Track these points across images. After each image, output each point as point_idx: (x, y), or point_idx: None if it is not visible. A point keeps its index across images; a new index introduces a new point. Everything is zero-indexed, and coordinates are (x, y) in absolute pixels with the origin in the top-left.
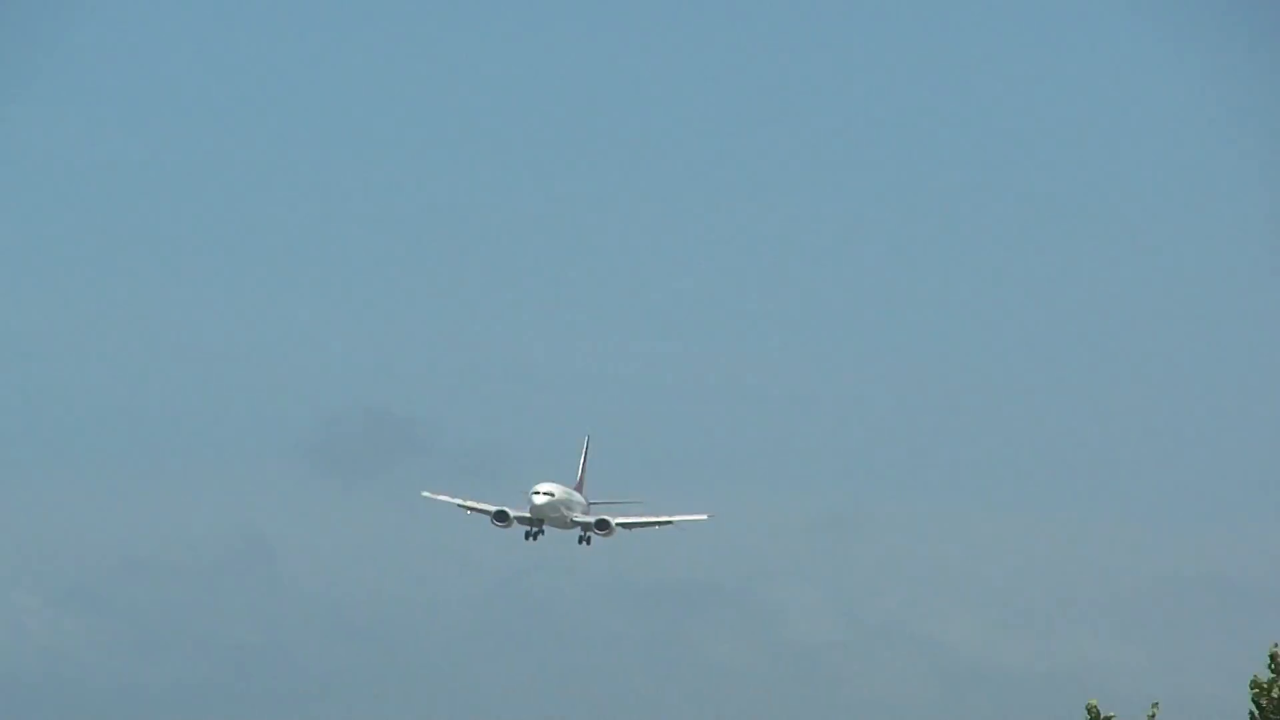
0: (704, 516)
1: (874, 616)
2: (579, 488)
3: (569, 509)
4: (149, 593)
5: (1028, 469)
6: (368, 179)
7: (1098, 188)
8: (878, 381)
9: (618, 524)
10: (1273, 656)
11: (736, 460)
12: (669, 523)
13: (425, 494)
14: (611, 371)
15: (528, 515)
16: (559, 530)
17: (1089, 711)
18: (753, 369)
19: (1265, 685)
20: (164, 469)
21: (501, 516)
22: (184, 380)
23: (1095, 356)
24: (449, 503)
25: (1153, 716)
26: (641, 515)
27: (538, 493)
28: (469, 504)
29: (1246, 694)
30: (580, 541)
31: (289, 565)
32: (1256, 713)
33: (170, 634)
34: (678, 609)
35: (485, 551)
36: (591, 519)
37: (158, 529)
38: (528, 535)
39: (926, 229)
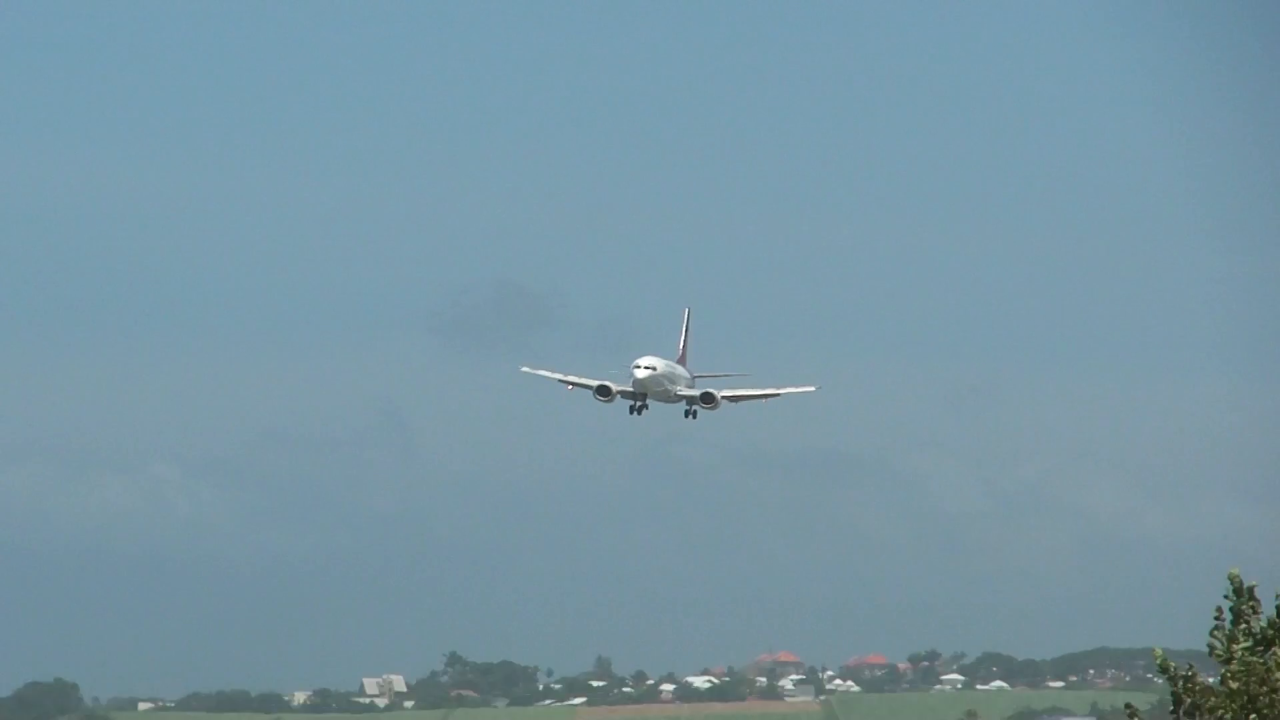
0: (811, 388)
1: (1015, 485)
2: (681, 361)
3: (672, 382)
4: (286, 464)
5: (1171, 335)
6: (499, 63)
7: None
8: (1015, 249)
9: (723, 397)
10: (1232, 578)
11: (879, 330)
12: (775, 395)
13: (525, 369)
14: (737, 244)
15: (630, 389)
16: (664, 404)
17: (1231, 580)
18: (888, 240)
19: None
20: (301, 344)
21: (604, 391)
22: (320, 257)
23: (1234, 220)
24: (549, 377)
25: None
26: (747, 388)
27: (639, 366)
28: (570, 379)
29: None
30: (686, 415)
31: (422, 436)
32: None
33: (307, 504)
34: (820, 477)
35: (621, 421)
36: (696, 392)
37: (295, 402)
38: (632, 409)
39: None
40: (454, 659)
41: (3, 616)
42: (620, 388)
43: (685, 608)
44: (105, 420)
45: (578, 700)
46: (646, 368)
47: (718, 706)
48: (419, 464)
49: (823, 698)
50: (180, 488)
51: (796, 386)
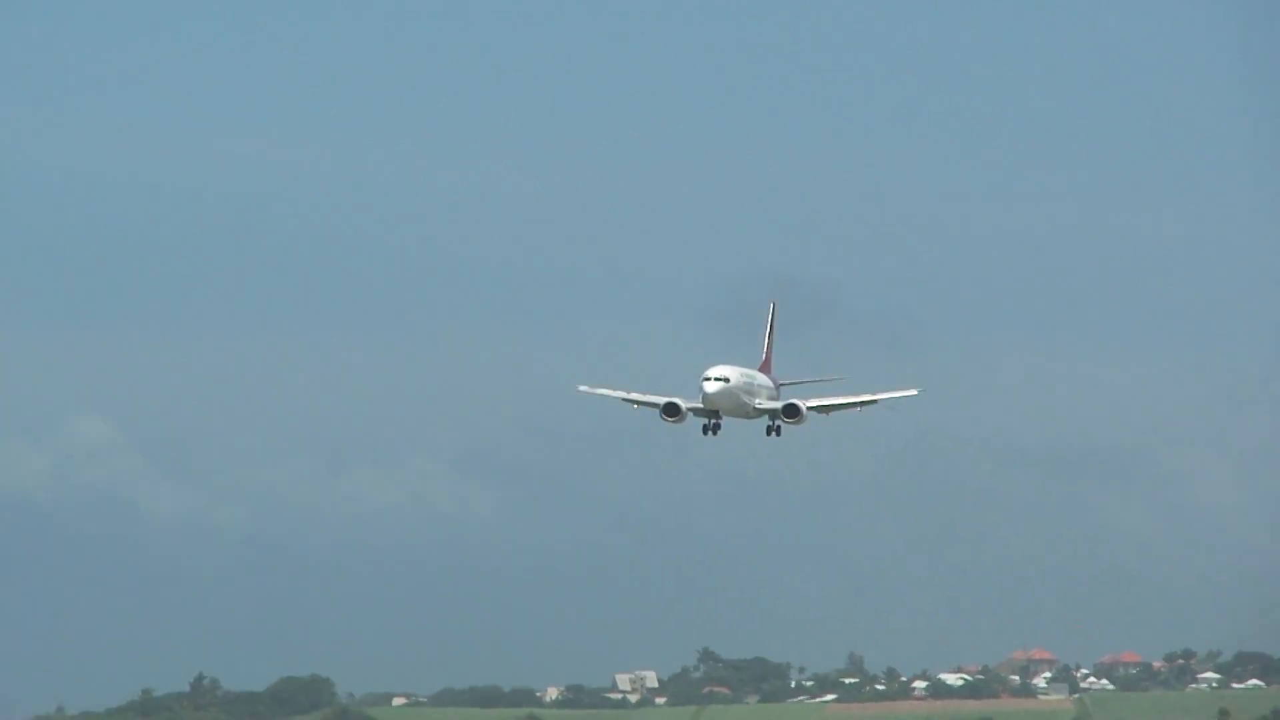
0: (913, 391)
1: (1275, 481)
2: (764, 367)
3: (750, 394)
4: (546, 458)
5: None
6: (770, 54)
7: None
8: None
9: (810, 408)
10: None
11: (1137, 320)
12: (871, 401)
13: (582, 388)
14: (1012, 232)
15: (701, 406)
16: (743, 421)
17: None
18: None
19: None
20: (567, 336)
21: (672, 410)
22: (591, 249)
23: None
24: (609, 395)
25: None
26: (839, 395)
27: (709, 379)
28: (633, 396)
29: None
30: (768, 432)
31: (687, 431)
32: None
33: (565, 499)
34: (1076, 472)
35: (874, 416)
36: (778, 404)
37: (559, 395)
38: (705, 429)
39: None
40: (706, 655)
41: (259, 612)
42: (691, 404)
43: (939, 604)
44: (368, 415)
45: (829, 697)
46: (719, 379)
47: (970, 704)
48: (680, 459)
49: (1076, 696)
50: (441, 483)
51: (897, 391)
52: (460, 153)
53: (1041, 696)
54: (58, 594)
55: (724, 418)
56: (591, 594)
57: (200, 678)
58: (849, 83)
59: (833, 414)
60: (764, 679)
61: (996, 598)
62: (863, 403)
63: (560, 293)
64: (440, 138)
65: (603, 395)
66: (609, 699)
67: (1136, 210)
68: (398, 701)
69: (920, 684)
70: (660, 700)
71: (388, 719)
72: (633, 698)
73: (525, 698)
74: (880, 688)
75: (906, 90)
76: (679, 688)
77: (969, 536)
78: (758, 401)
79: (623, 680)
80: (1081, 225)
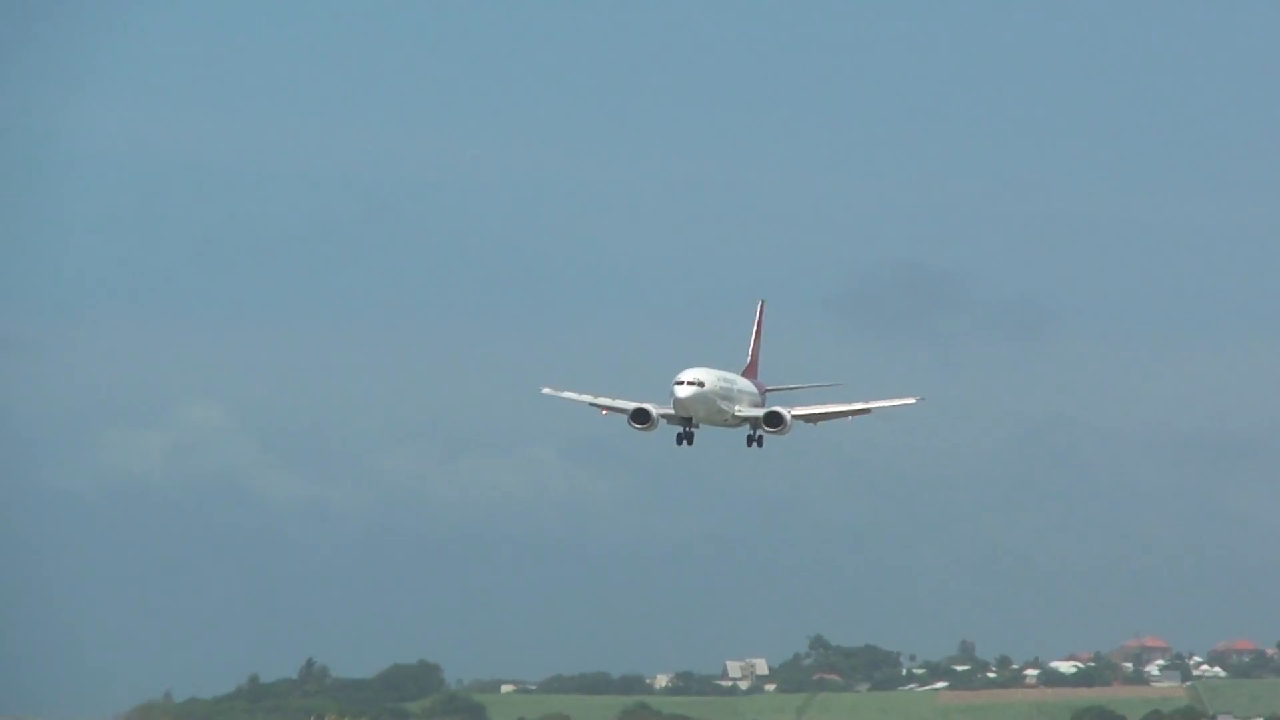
0: (911, 400)
1: None
2: (750, 371)
3: (729, 400)
4: (661, 444)
5: None
6: (896, 47)
7: None
8: None
9: (796, 416)
10: None
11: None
12: (864, 411)
13: (546, 390)
14: (1138, 218)
15: (672, 412)
16: (722, 430)
17: None
18: None
19: None
20: (689, 322)
21: (641, 417)
22: (720, 238)
23: None
24: (576, 400)
25: None
26: (833, 403)
27: (681, 382)
28: (600, 401)
29: None
30: (749, 443)
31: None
32: None
33: (681, 486)
34: (1204, 459)
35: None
36: (759, 412)
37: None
38: (679, 438)
39: None
40: (817, 642)
41: (370, 598)
42: (664, 410)
43: (1051, 592)
44: (484, 402)
45: (940, 685)
46: (692, 383)
47: (1082, 691)
48: (800, 446)
49: (1189, 683)
50: (553, 470)
51: (894, 400)
52: (603, 145)
53: (1154, 684)
54: (169, 579)
55: (700, 426)
56: (703, 581)
57: (309, 664)
58: (989, 78)
59: (822, 424)
60: (875, 666)
61: (1109, 585)
62: (854, 412)
63: (689, 285)
64: (602, 134)
65: (567, 399)
66: (719, 686)
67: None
68: (506, 688)
69: (1032, 672)
70: (770, 687)
71: (496, 706)
72: (743, 685)
73: (635, 685)
74: (992, 675)
75: (1045, 84)
76: (789, 675)
77: (1082, 524)
78: (737, 408)
79: (733, 667)
80: (1223, 216)
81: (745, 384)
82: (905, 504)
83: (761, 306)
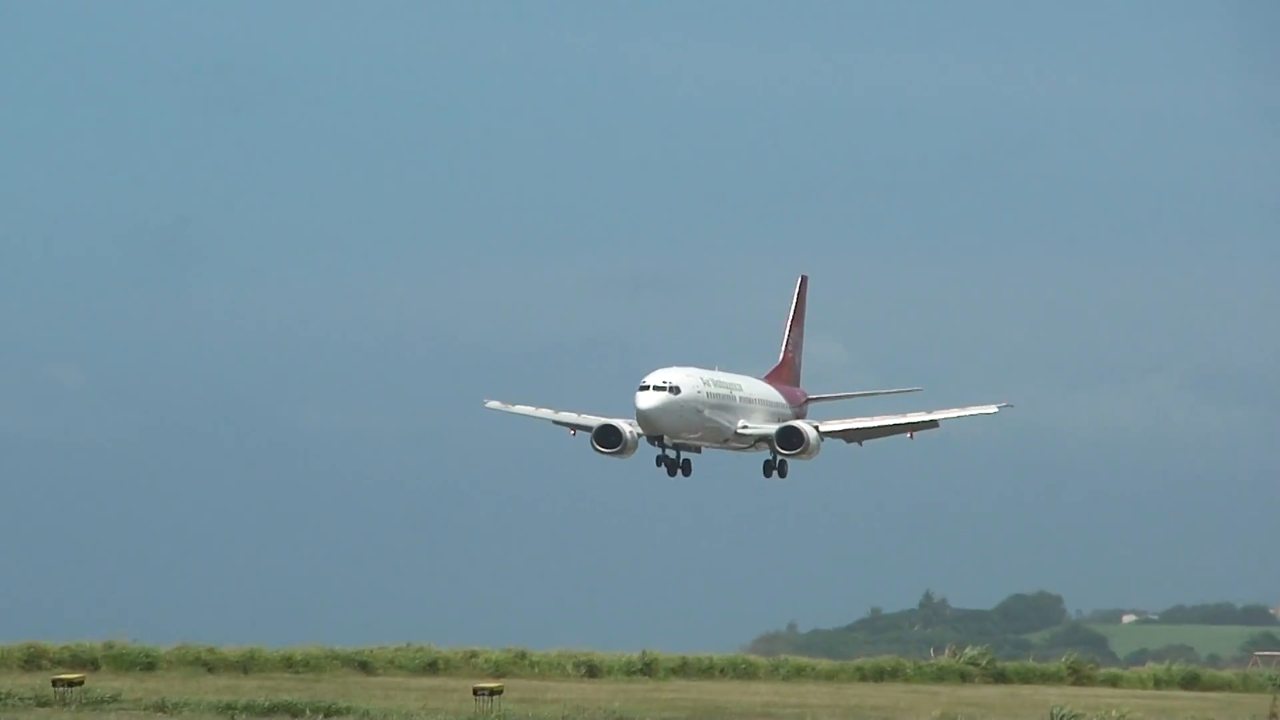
0: (993, 409)
1: None
2: (781, 371)
3: (725, 412)
4: None
5: None
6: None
7: None
8: None
9: (828, 433)
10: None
11: None
12: (932, 424)
13: (492, 404)
14: None
15: (641, 430)
16: (725, 453)
17: None
18: None
19: None
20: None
21: (607, 438)
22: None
23: None
24: (530, 415)
25: None
26: (887, 415)
27: (646, 386)
28: (561, 418)
29: None
30: (767, 472)
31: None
32: None
33: None
34: None
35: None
36: (771, 428)
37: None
38: (666, 463)
39: None
40: None
41: (990, 530)
42: (636, 428)
43: None
44: (1107, 332)
45: None
46: (659, 388)
47: None
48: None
49: None
50: (1175, 399)
51: (975, 408)
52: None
53: None
54: (791, 523)
55: (682, 445)
56: None
57: (929, 596)
58: None
59: (858, 443)
60: None
61: None
62: (915, 424)
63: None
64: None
65: (517, 413)
66: None
67: None
68: (1127, 619)
69: None
70: None
71: (1118, 636)
72: None
73: (1259, 615)
74: None
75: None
76: None
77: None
78: (741, 423)
79: None
80: None
81: (759, 389)
82: None
83: (802, 283)
